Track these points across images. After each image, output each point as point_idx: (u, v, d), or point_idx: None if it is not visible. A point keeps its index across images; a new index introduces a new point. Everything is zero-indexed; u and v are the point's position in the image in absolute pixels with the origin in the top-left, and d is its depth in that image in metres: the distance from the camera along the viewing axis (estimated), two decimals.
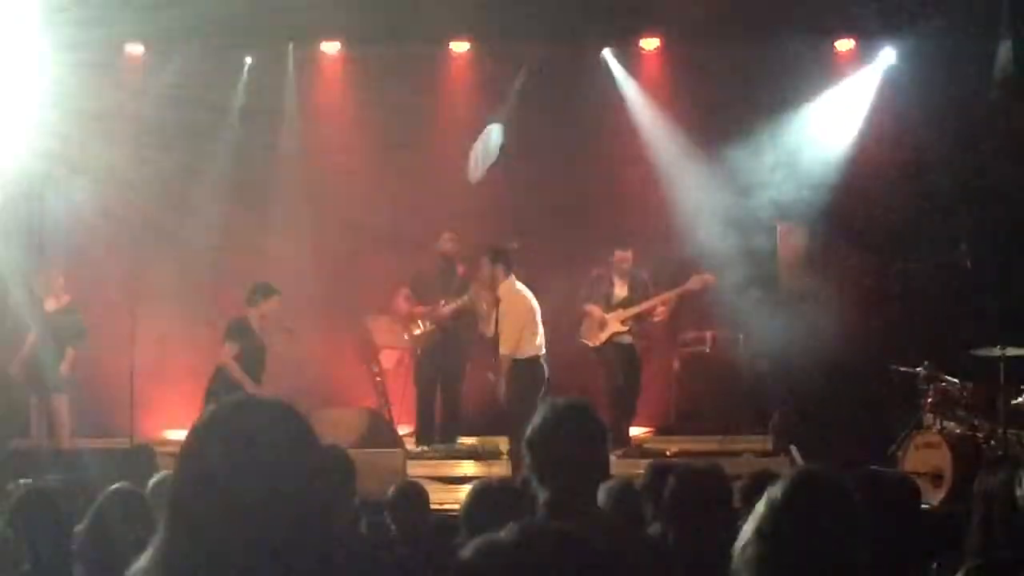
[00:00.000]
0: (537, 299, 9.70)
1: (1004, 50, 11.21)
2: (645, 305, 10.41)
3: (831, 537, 2.18)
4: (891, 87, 12.05)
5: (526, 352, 9.32)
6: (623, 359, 10.37)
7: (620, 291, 10.51)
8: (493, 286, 9.42)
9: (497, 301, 9.40)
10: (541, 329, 9.45)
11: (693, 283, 10.39)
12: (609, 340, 10.39)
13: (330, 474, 3.52)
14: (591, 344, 10.43)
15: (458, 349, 10.50)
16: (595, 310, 10.42)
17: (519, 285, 9.50)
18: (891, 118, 11.88)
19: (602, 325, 10.36)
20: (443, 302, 10.30)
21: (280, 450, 1.82)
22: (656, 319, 10.55)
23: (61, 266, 10.51)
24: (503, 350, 9.29)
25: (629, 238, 10.74)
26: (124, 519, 4.04)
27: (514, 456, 9.14)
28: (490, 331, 9.50)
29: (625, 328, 10.40)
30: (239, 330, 9.42)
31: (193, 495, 1.82)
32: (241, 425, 1.85)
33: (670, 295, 10.44)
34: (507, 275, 9.43)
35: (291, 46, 12.40)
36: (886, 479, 3.61)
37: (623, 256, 10.48)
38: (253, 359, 9.44)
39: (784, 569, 2.12)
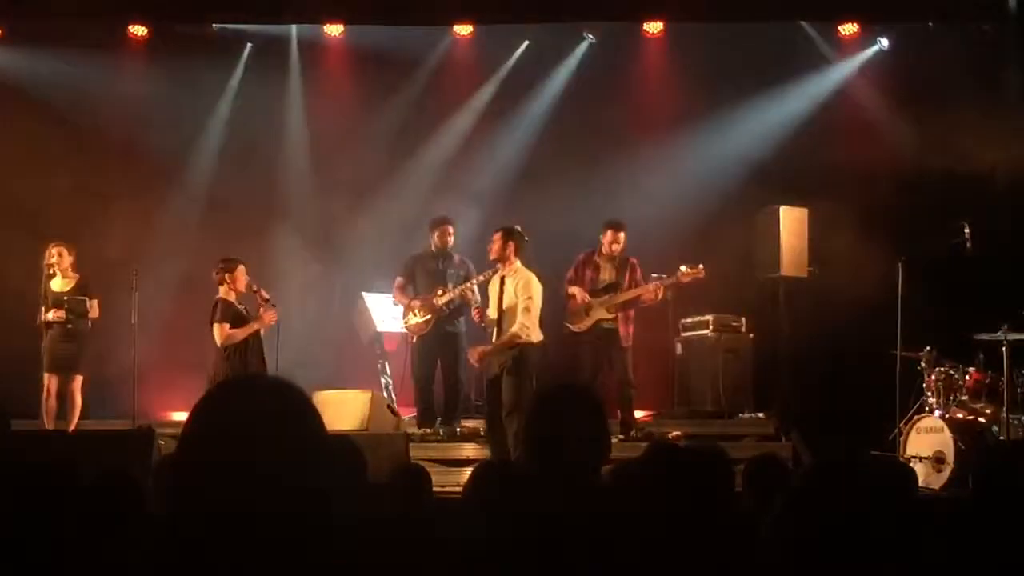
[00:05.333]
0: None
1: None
2: (633, 293, 10.27)
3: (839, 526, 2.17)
4: (887, 70, 12.07)
5: (538, 336, 9.12)
6: (607, 344, 10.28)
7: (606, 274, 10.37)
8: (500, 260, 9.22)
9: (501, 281, 9.23)
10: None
11: (682, 276, 10.23)
12: (594, 325, 10.28)
13: (338, 460, 3.51)
14: (575, 329, 10.30)
15: (458, 333, 10.46)
16: (579, 292, 10.30)
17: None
18: (889, 101, 11.90)
19: (588, 310, 10.25)
20: (439, 291, 10.24)
21: (282, 429, 1.81)
22: (643, 305, 10.38)
23: (67, 245, 10.46)
24: (519, 329, 8.91)
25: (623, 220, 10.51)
26: (117, 501, 4.03)
27: (496, 438, 9.09)
28: (488, 318, 9.38)
29: (611, 315, 10.29)
30: (223, 309, 9.42)
31: (194, 476, 1.81)
32: (243, 404, 1.84)
33: (659, 285, 10.21)
34: (517, 255, 9.18)
35: (294, 28, 12.43)
36: (878, 466, 3.60)
37: (616, 236, 10.27)
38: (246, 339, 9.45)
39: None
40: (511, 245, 9.13)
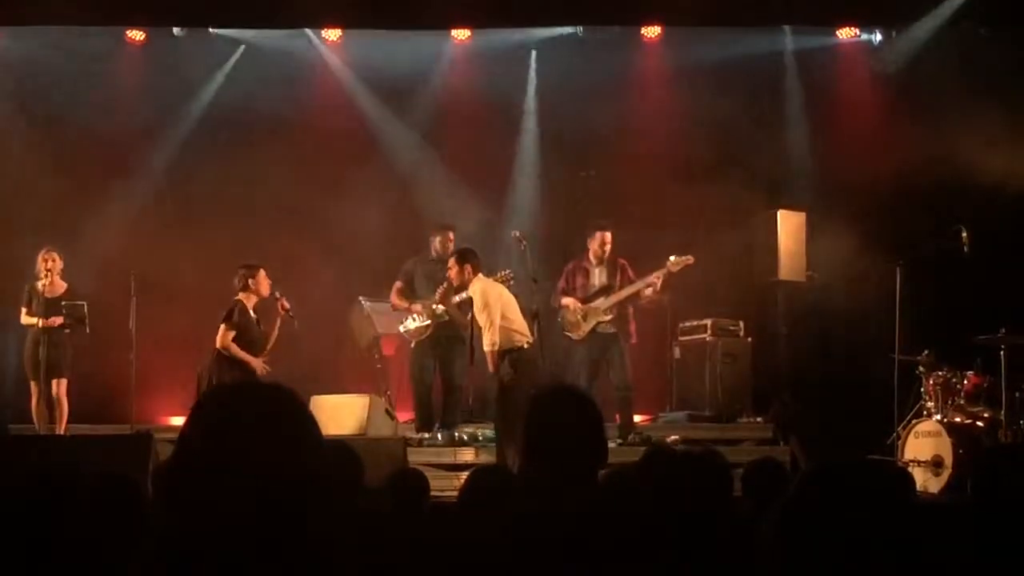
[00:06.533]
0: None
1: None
2: (629, 290, 10.27)
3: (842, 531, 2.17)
4: (886, 73, 12.12)
5: (510, 343, 9.18)
6: (605, 348, 10.28)
7: (597, 279, 10.35)
8: (464, 286, 9.38)
9: (470, 303, 9.38)
10: (522, 320, 9.33)
11: (672, 265, 10.22)
12: (593, 331, 10.28)
13: (335, 465, 3.51)
14: (575, 337, 10.31)
15: (457, 338, 10.45)
16: (572, 302, 10.28)
17: (490, 280, 9.45)
18: (887, 105, 11.92)
19: (584, 316, 10.24)
20: (439, 296, 10.25)
21: (279, 434, 1.81)
22: (644, 302, 10.38)
23: (60, 250, 10.46)
24: (487, 345, 9.15)
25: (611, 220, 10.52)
26: (113, 506, 4.01)
27: (500, 444, 9.10)
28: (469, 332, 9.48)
29: (608, 317, 10.28)
30: (240, 313, 9.36)
31: (191, 480, 1.81)
32: (240, 409, 1.84)
33: (654, 277, 10.19)
34: (475, 273, 9.35)
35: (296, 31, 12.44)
36: (876, 470, 3.59)
37: (604, 237, 10.27)
38: (250, 341, 9.40)
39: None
40: (467, 267, 9.34)
